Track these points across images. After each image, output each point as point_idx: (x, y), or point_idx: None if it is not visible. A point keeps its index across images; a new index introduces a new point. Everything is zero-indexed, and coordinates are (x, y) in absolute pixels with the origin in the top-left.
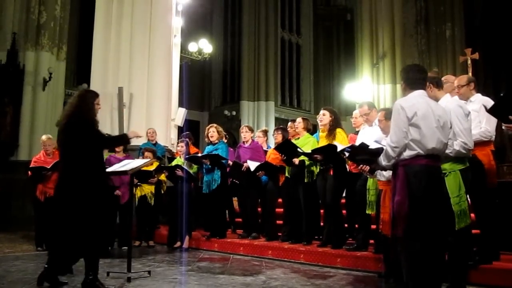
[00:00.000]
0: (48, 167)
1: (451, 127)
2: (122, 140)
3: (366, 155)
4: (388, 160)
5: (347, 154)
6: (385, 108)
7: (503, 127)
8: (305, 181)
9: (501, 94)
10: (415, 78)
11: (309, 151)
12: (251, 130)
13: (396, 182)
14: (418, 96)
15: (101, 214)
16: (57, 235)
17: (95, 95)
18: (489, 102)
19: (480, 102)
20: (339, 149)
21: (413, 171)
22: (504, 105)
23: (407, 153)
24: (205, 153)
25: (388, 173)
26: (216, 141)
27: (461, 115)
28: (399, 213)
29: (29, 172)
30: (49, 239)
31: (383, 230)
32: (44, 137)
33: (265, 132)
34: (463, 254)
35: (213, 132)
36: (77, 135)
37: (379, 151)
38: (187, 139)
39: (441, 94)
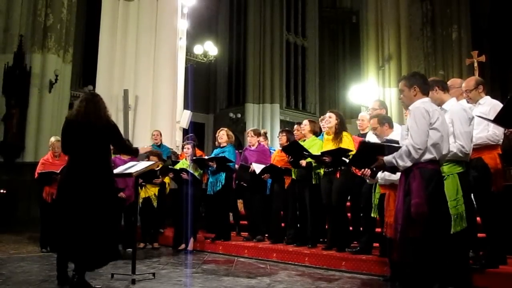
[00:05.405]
0: (58, 172)
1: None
2: (135, 152)
3: (373, 151)
4: (408, 160)
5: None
6: (376, 115)
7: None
8: (313, 182)
9: (505, 103)
10: (426, 86)
11: (319, 153)
12: (257, 134)
13: (412, 184)
14: (431, 103)
15: (113, 215)
16: (65, 236)
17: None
18: (498, 105)
19: (489, 105)
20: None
21: (429, 175)
22: (508, 113)
23: (425, 156)
24: (212, 155)
25: (390, 176)
26: (225, 144)
27: (464, 118)
28: (417, 215)
29: (36, 174)
30: (55, 241)
31: (388, 233)
32: (53, 138)
33: (265, 135)
34: (462, 258)
35: (222, 135)
36: (107, 138)
37: (383, 146)
38: (193, 142)
39: (447, 97)
